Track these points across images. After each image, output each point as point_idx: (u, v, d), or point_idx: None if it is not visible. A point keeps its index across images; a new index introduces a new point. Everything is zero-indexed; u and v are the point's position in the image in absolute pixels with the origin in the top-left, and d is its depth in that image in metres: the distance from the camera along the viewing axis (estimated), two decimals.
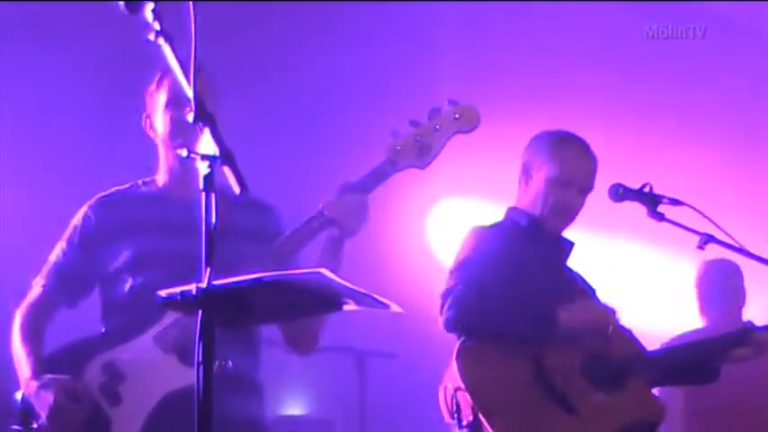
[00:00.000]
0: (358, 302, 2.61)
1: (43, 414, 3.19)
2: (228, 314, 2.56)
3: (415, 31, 6.77)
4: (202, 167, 2.42)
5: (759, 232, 4.65)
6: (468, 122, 3.24)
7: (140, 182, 3.57)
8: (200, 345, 2.28)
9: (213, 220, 2.39)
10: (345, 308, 2.66)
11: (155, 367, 3.24)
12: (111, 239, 3.42)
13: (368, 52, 6.58)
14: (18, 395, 3.30)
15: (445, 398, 3.52)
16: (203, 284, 2.32)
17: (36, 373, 3.25)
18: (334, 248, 3.18)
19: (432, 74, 6.33)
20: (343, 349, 5.58)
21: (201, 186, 2.42)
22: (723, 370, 3.92)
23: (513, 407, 3.46)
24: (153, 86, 3.48)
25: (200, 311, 2.33)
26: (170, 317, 3.18)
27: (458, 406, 3.45)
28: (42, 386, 3.21)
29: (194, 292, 2.34)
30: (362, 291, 2.57)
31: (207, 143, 2.44)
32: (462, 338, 3.54)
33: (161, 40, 2.52)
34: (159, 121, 3.44)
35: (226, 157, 2.42)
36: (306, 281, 2.60)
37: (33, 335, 3.40)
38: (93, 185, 3.63)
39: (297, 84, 6.48)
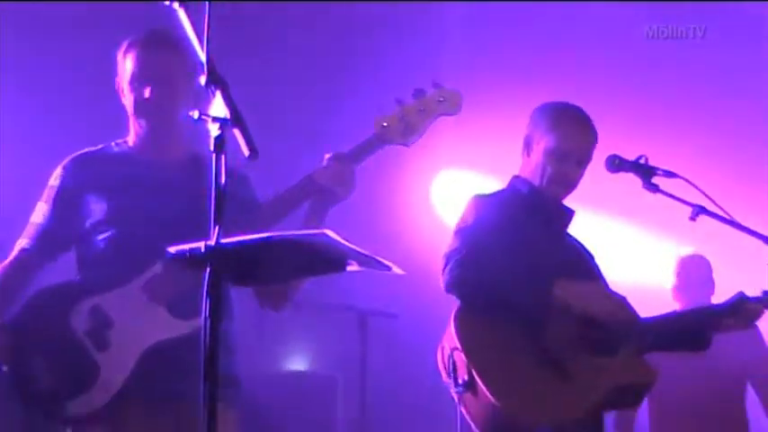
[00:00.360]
0: (361, 264, 2.61)
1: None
2: (235, 272, 2.58)
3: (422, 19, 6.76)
4: (213, 129, 2.40)
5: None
6: (451, 106, 3.27)
7: (113, 143, 3.56)
8: (208, 300, 2.27)
9: (222, 180, 2.37)
10: (349, 269, 2.66)
11: (143, 315, 3.23)
12: (85, 196, 3.43)
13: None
14: None
15: (443, 358, 3.53)
16: (212, 242, 2.31)
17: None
18: (320, 215, 3.20)
19: (436, 53, 6.39)
20: (346, 308, 5.56)
21: (212, 148, 2.39)
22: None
23: (507, 368, 3.48)
24: (121, 54, 3.47)
25: (208, 268, 2.32)
26: (153, 270, 3.23)
27: (454, 366, 3.45)
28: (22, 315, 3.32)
29: (203, 249, 2.33)
30: (366, 252, 2.54)
31: (218, 106, 2.43)
32: (461, 301, 3.53)
33: (176, 5, 2.56)
34: (125, 93, 3.45)
35: (236, 120, 2.41)
36: (311, 241, 2.60)
37: (17, 282, 3.42)
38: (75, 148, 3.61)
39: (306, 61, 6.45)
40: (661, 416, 5.60)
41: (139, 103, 3.37)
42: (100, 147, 3.52)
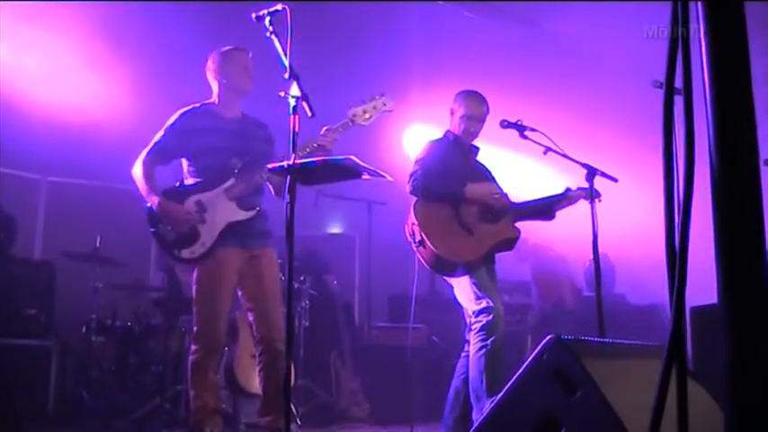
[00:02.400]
0: (369, 174, 3.12)
1: (166, 218, 3.61)
2: (302, 177, 3.00)
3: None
4: (292, 101, 2.89)
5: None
6: (389, 107, 3.54)
7: (207, 102, 3.85)
8: (288, 194, 2.80)
9: (297, 129, 2.83)
10: (363, 177, 3.16)
11: (223, 207, 3.63)
12: (193, 134, 3.73)
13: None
14: (148, 206, 3.70)
15: (408, 228, 3.94)
16: (291, 161, 2.81)
17: (157, 195, 3.67)
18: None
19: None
20: (360, 199, 6.11)
21: (291, 111, 2.87)
22: None
23: (441, 230, 3.88)
24: (226, 53, 3.81)
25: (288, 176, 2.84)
26: (228, 182, 3.62)
27: (413, 232, 3.89)
28: (166, 203, 3.64)
29: (285, 166, 2.86)
30: (372, 168, 3.08)
31: (294, 89, 2.91)
32: (416, 197, 3.92)
33: (273, 37, 2.99)
34: (231, 74, 3.77)
35: (304, 97, 2.91)
36: (343, 161, 3.06)
37: (149, 177, 3.74)
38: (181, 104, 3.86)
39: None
40: None
41: (236, 87, 3.77)
42: (198, 104, 3.85)
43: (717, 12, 0.86)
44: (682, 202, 0.89)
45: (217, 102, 3.84)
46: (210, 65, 3.85)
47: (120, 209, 6.54)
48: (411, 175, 3.93)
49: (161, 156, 3.81)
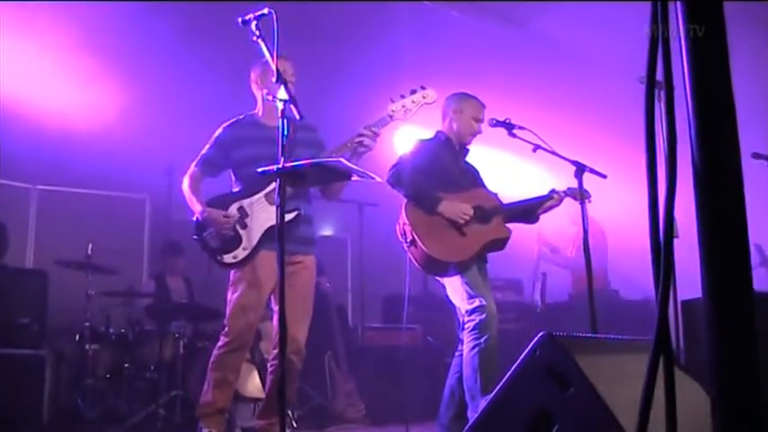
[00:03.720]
0: (360, 176, 3.16)
1: (209, 224, 3.65)
2: (293, 179, 3.09)
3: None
4: (280, 105, 2.94)
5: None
6: (430, 99, 3.60)
7: (251, 113, 3.94)
8: (279, 194, 2.87)
9: (286, 132, 2.90)
10: (353, 179, 3.21)
11: (265, 211, 3.67)
12: (237, 144, 3.79)
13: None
14: (194, 218, 3.73)
15: (399, 228, 3.97)
16: (280, 165, 2.89)
17: (203, 206, 3.69)
18: (355, 158, 3.48)
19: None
20: (351, 200, 6.09)
21: (279, 115, 2.93)
22: None
23: (432, 230, 3.88)
24: (266, 63, 3.57)
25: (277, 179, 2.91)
26: (268, 188, 3.65)
27: (404, 232, 3.91)
28: (208, 210, 3.66)
29: (275, 168, 2.91)
30: (361, 169, 3.12)
31: (282, 93, 2.95)
32: (400, 191, 3.92)
33: (260, 41, 3.00)
34: (271, 85, 3.51)
35: (292, 100, 2.95)
36: (334, 164, 3.12)
37: (195, 189, 3.82)
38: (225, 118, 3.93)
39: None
40: None
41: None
42: (242, 115, 3.90)
43: (696, 11, 0.87)
44: (665, 195, 0.90)
45: (260, 112, 3.88)
46: (252, 76, 3.88)
47: (111, 216, 6.62)
48: (392, 167, 3.95)
49: (207, 168, 3.87)
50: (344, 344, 5.82)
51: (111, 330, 5.45)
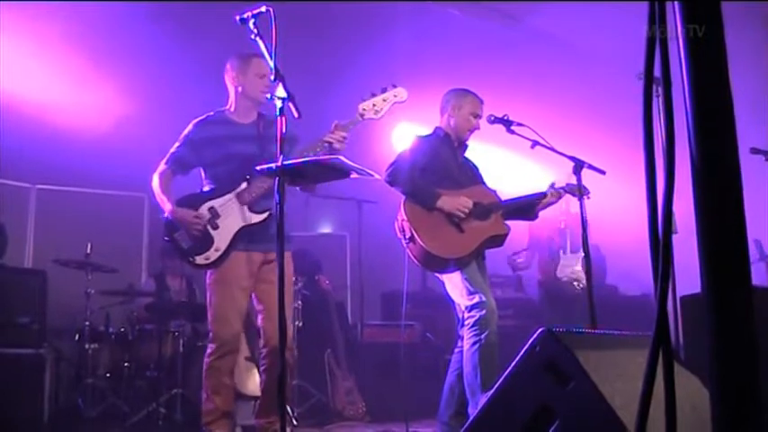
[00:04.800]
0: (358, 173, 3.11)
1: (181, 224, 3.61)
2: (290, 177, 3.02)
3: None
4: (278, 103, 2.89)
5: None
6: (401, 97, 3.54)
7: (222, 109, 3.86)
8: (278, 193, 2.82)
9: (284, 130, 2.86)
10: (352, 176, 3.15)
11: (235, 211, 3.65)
12: (207, 142, 3.74)
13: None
14: (164, 216, 3.69)
15: (398, 224, 3.95)
16: (279, 163, 2.82)
17: (173, 205, 3.66)
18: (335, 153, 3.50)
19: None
20: (350, 198, 6.14)
21: (277, 113, 2.87)
22: None
23: (430, 227, 3.88)
24: (245, 60, 3.71)
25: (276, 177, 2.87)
26: (240, 187, 3.62)
27: (403, 228, 3.90)
28: (178, 210, 3.63)
29: (274, 167, 2.87)
30: (360, 167, 3.07)
31: (280, 91, 2.91)
32: (397, 189, 3.91)
33: (258, 39, 2.96)
34: (248, 82, 3.70)
35: (290, 97, 2.91)
36: (332, 161, 3.08)
37: (165, 188, 3.74)
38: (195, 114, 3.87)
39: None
40: None
41: (253, 95, 3.69)
42: (213, 112, 3.84)
43: (694, 10, 0.87)
44: (664, 191, 0.90)
45: (232, 109, 3.82)
46: (229, 69, 3.80)
47: (110, 215, 6.64)
48: (390, 165, 3.93)
49: (178, 167, 3.82)
50: (344, 341, 5.84)
51: (110, 329, 5.47)
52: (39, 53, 6.06)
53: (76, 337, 5.31)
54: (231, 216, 3.64)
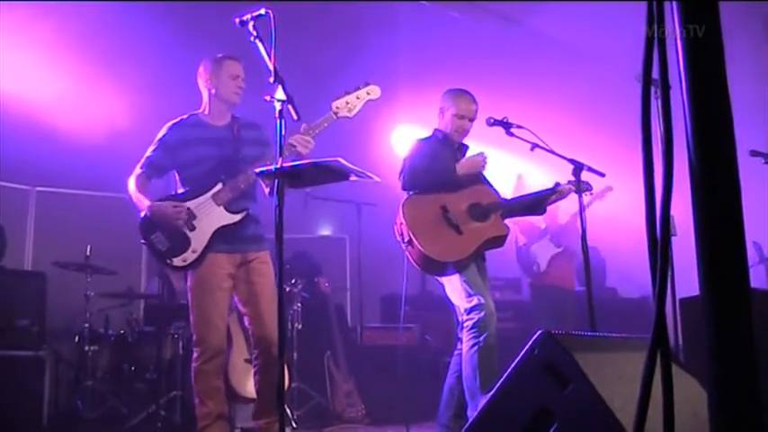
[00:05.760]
0: (357, 176, 3.13)
1: (160, 218, 3.57)
2: (289, 180, 3.00)
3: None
4: (278, 105, 2.88)
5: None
6: (374, 95, 3.56)
7: (195, 112, 3.85)
8: (277, 195, 2.80)
9: (284, 132, 2.84)
10: (351, 178, 3.17)
11: (212, 212, 3.63)
12: (181, 145, 3.73)
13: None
14: (141, 214, 3.66)
15: (397, 227, 3.96)
16: (279, 165, 2.81)
17: (152, 201, 3.64)
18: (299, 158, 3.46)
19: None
20: (349, 201, 6.11)
21: (277, 115, 2.86)
22: None
23: (429, 230, 3.88)
24: (217, 62, 3.75)
25: (276, 180, 2.87)
26: (215, 188, 3.61)
27: (402, 231, 3.90)
28: (156, 205, 3.61)
29: (274, 169, 2.86)
30: (359, 169, 3.08)
31: (280, 93, 2.90)
32: (407, 194, 3.93)
33: (257, 41, 2.96)
34: (222, 84, 3.72)
35: (290, 100, 2.91)
36: (331, 164, 3.05)
37: (142, 189, 3.72)
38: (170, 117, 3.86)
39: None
40: None
41: (226, 97, 3.71)
42: (187, 115, 3.83)
43: (692, 10, 0.87)
44: (662, 193, 0.90)
45: (206, 111, 3.82)
46: (202, 72, 3.81)
47: (109, 217, 6.58)
48: (401, 172, 3.96)
49: (153, 170, 3.80)
50: (343, 344, 5.84)
51: (110, 331, 5.46)
52: (39, 55, 6.05)
53: (76, 339, 5.29)
54: (207, 217, 3.63)
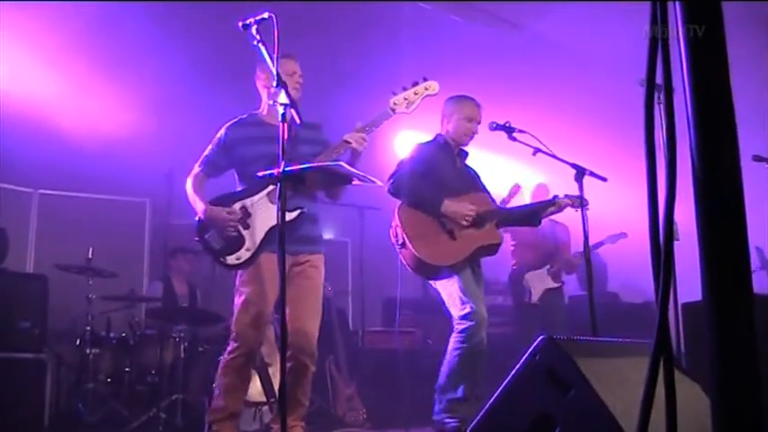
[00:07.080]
0: (360, 180, 3.17)
1: (213, 222, 3.62)
2: (293, 183, 3.12)
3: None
4: (281, 109, 2.94)
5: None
6: (432, 90, 3.60)
7: (254, 112, 3.90)
8: (280, 198, 2.84)
9: (286, 135, 2.88)
10: (354, 183, 3.23)
11: (266, 210, 3.64)
12: (239, 143, 3.76)
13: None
14: (196, 218, 3.71)
15: (392, 230, 3.99)
16: (281, 168, 2.86)
17: (206, 204, 3.66)
18: (354, 157, 3.52)
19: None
20: (351, 204, 6.11)
21: (280, 119, 2.93)
22: None
23: (423, 233, 3.90)
24: (279, 60, 3.70)
25: (278, 183, 2.89)
26: (270, 187, 3.62)
27: (397, 234, 3.93)
28: (211, 209, 3.64)
29: (275, 173, 2.91)
30: (362, 174, 3.13)
31: (282, 97, 2.95)
32: (397, 198, 3.96)
33: (260, 45, 3.00)
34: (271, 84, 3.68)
35: (292, 104, 2.96)
36: (334, 168, 3.15)
37: (198, 190, 3.78)
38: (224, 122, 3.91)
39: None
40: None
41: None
42: (245, 115, 3.89)
43: (695, 11, 0.87)
44: (665, 198, 0.90)
45: (264, 111, 3.85)
46: (259, 73, 3.83)
47: (111, 220, 6.64)
48: (391, 176, 3.96)
49: (210, 169, 3.85)
50: (345, 347, 5.82)
51: (111, 334, 5.47)
52: (41, 58, 6.07)
53: (77, 341, 5.30)
54: (262, 215, 3.64)
